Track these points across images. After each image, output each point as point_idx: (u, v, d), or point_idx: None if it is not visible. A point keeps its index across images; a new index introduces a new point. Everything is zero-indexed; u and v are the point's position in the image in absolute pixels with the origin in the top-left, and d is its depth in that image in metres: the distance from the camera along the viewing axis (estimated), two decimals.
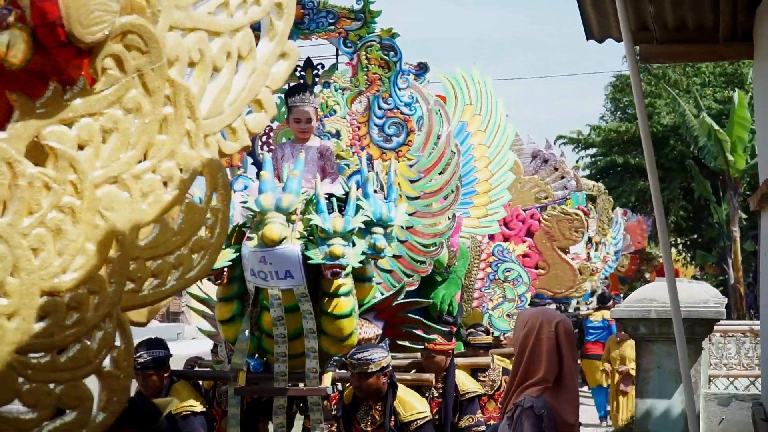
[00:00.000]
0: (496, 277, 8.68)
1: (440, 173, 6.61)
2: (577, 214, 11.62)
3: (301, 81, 6.52)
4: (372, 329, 5.84)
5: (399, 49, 6.13)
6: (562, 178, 12.55)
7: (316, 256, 5.26)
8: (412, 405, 5.56)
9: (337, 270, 5.29)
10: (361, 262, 5.55)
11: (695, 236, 29.31)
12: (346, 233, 5.31)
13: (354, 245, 5.40)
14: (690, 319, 7.76)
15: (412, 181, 6.49)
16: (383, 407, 5.53)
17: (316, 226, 5.31)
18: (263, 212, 5.27)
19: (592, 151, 29.54)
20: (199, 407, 5.69)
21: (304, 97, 6.04)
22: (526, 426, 3.84)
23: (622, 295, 15.09)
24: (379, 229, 5.54)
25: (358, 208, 5.51)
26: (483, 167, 8.96)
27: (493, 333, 8.08)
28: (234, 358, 5.70)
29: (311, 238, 5.38)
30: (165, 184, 2.30)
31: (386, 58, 6.12)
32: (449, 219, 6.65)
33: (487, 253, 8.69)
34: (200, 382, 6.02)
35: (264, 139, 6.49)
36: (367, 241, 5.50)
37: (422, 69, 7.78)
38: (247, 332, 5.63)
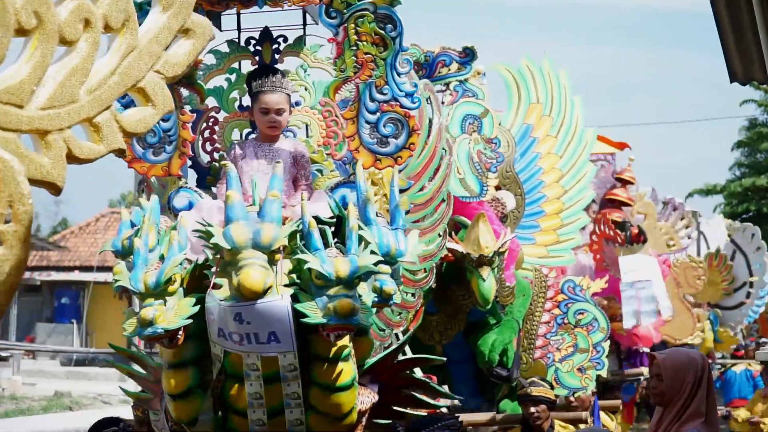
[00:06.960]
0: (566, 321, 6.83)
1: (430, 179, 4.96)
2: (701, 263, 12.25)
3: (257, 58, 4.91)
4: (368, 397, 4.25)
5: (399, 21, 4.46)
6: (687, 227, 13.59)
7: (315, 313, 3.74)
8: None
9: (343, 333, 3.78)
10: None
11: None
12: (354, 279, 3.77)
13: (359, 295, 3.84)
14: None
15: (401, 191, 4.85)
16: None
17: (312, 270, 3.78)
18: (235, 250, 3.74)
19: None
20: None
21: (274, 80, 4.54)
22: None
23: None
24: (385, 268, 3.98)
25: (359, 239, 3.94)
26: (553, 182, 7.32)
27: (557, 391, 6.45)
28: None
29: (299, 283, 3.85)
30: None
31: (382, 33, 4.46)
32: (440, 236, 5.01)
33: (554, 290, 6.94)
34: None
35: (207, 134, 4.76)
36: (371, 285, 3.94)
37: (468, 56, 6.37)
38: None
